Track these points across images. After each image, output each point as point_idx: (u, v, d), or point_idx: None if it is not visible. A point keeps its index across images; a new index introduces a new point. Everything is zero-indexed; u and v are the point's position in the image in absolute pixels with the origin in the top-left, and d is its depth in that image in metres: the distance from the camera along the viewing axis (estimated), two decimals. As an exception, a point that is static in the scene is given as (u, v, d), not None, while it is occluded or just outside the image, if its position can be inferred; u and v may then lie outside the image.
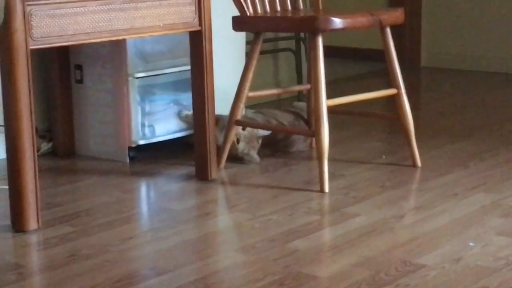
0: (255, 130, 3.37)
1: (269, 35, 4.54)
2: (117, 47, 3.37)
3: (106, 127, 3.49)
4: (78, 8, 2.70)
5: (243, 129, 3.35)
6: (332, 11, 3.27)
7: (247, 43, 3.88)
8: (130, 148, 3.45)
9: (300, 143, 3.55)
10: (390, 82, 3.26)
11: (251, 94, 3.30)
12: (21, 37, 2.56)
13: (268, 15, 3.27)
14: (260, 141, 3.39)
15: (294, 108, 3.73)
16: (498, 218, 2.71)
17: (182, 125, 3.54)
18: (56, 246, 2.52)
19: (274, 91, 3.78)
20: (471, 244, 2.48)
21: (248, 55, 3.28)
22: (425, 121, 4.15)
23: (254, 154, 3.38)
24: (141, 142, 3.46)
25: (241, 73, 3.30)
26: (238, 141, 3.36)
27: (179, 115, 3.51)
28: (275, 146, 3.50)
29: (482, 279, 2.22)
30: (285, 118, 3.55)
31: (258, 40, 3.24)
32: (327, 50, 3.26)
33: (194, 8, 3.02)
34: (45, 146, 3.58)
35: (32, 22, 2.58)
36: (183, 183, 3.18)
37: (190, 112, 3.42)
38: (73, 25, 2.69)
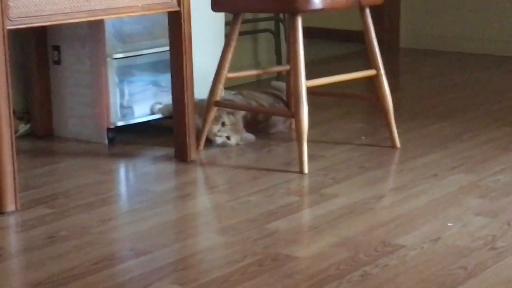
0: (235, 114, 3.36)
1: (248, 16, 4.52)
2: (95, 27, 3.35)
3: (84, 108, 3.47)
4: (55, -12, 2.67)
5: (223, 124, 3.33)
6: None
7: (226, 24, 3.87)
8: (108, 130, 3.43)
9: (280, 124, 3.55)
10: (370, 63, 3.26)
11: (230, 75, 3.29)
12: (-2, 17, 2.53)
13: (247, -5, 3.25)
14: (242, 120, 3.39)
15: (272, 88, 3.73)
16: (476, 198, 2.72)
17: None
18: (34, 228, 2.51)
19: (253, 72, 3.77)
20: (450, 224, 2.49)
21: (227, 36, 3.27)
22: (405, 103, 4.16)
23: (246, 135, 3.37)
24: (120, 123, 3.44)
25: (220, 54, 3.28)
26: (229, 138, 3.34)
27: (152, 110, 3.50)
28: (255, 127, 3.49)
29: (460, 259, 2.23)
30: (265, 100, 3.55)
31: (237, 21, 3.23)
32: (307, 31, 3.26)
33: (173, -12, 3.01)
34: (23, 128, 3.56)
35: (9, 2, 2.55)
36: (162, 165, 3.17)
37: (162, 105, 3.42)
38: (50, 5, 2.66)
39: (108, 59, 3.37)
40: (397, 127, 3.31)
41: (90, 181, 2.97)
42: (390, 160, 3.22)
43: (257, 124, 3.50)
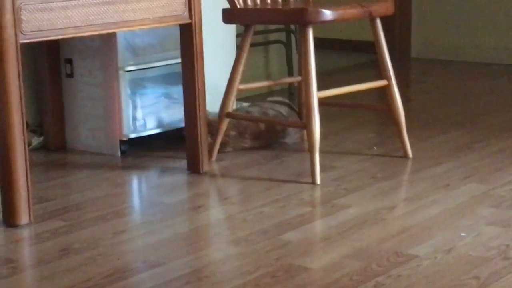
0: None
1: (260, 27, 4.53)
2: (107, 40, 3.36)
3: (97, 121, 3.48)
4: (68, 2, 2.69)
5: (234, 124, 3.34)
6: (322, 3, 3.27)
7: (238, 35, 3.88)
8: (121, 142, 3.44)
9: (293, 135, 3.55)
10: (381, 73, 3.26)
11: (241, 86, 3.30)
12: (11, 31, 2.55)
13: (258, 7, 3.26)
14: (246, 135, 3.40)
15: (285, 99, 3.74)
16: (489, 208, 2.72)
17: (173, 118, 3.54)
18: (48, 241, 2.52)
19: (265, 83, 3.78)
20: (462, 234, 2.49)
21: (239, 48, 3.28)
22: (416, 112, 4.15)
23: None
24: (132, 135, 3.45)
25: (231, 65, 3.29)
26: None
27: None
28: (272, 137, 3.49)
29: (473, 269, 2.22)
30: (282, 109, 3.56)
31: (249, 33, 3.24)
32: (318, 42, 3.26)
33: (184, 0, 3.02)
34: (36, 141, 3.58)
35: (21, 16, 2.57)
36: (174, 176, 3.18)
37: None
38: (63, 19, 2.68)
39: (120, 72, 3.38)
40: (409, 137, 3.31)
41: (103, 193, 2.98)
42: (402, 170, 3.21)
43: (275, 133, 3.49)
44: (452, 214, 2.68)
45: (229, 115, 3.29)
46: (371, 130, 3.89)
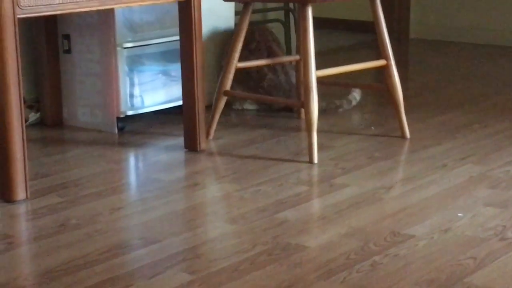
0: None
1: (258, 5, 4.52)
2: (106, 16, 3.35)
3: (94, 97, 3.47)
4: (66, -23, 2.67)
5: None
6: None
7: (236, 14, 3.87)
8: (118, 119, 3.43)
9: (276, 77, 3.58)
10: (380, 53, 3.25)
11: (240, 65, 3.29)
12: (9, 5, 2.53)
13: (258, -15, 3.25)
14: None
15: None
16: (486, 189, 2.72)
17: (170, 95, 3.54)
18: (44, 216, 2.52)
19: (262, 62, 3.76)
20: (459, 214, 2.49)
21: (237, 26, 3.27)
22: (414, 93, 4.15)
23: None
24: (130, 112, 3.45)
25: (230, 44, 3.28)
26: None
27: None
28: (249, 82, 3.50)
29: (470, 249, 2.22)
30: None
31: (247, 11, 3.23)
32: (317, 22, 3.25)
33: (183, -23, 3.00)
34: (33, 117, 3.57)
35: (19, -9, 2.56)
36: (172, 154, 3.18)
37: None
38: (61, -6, 2.67)
39: (118, 48, 3.37)
40: (407, 117, 3.31)
41: (100, 170, 2.98)
42: (399, 150, 3.21)
43: (251, 78, 3.50)
44: (449, 194, 2.68)
45: (227, 93, 3.28)
46: (369, 110, 3.88)
